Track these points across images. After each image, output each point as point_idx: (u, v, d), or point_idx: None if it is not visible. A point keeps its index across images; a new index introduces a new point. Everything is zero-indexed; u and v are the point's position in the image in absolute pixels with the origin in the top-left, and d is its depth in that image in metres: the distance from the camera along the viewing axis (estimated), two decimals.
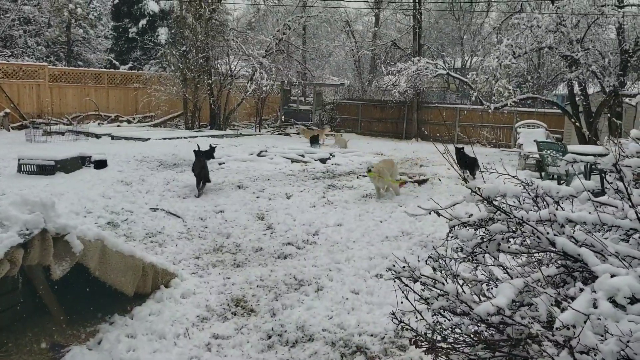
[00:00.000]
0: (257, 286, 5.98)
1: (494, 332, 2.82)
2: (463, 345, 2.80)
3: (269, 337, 4.82)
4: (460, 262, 3.18)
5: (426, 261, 3.31)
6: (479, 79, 17.73)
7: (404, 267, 2.91)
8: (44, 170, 11.47)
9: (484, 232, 3.00)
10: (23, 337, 4.71)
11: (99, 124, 23.15)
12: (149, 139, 18.57)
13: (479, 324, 2.64)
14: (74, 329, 4.94)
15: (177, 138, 19.38)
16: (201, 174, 10.46)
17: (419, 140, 24.15)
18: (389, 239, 7.78)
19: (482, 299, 3.00)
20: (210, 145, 13.98)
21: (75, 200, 9.28)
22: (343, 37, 33.23)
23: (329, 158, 15.69)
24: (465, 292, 3.08)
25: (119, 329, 4.89)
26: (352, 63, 33.01)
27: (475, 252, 3.01)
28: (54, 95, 22.63)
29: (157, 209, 9.05)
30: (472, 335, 2.75)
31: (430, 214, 3.09)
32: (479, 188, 2.79)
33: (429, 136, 23.91)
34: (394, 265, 2.99)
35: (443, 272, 3.15)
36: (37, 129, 18.79)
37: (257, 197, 10.21)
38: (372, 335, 4.82)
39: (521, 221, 2.77)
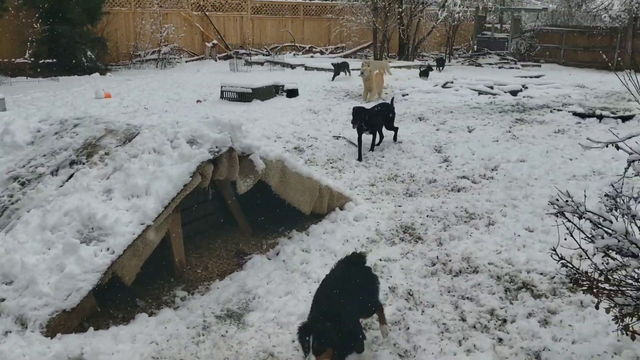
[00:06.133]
0: (427, 216, 6.03)
1: None
2: (630, 288, 2.57)
3: (433, 265, 4.89)
4: None
5: (601, 199, 3.05)
6: None
7: (567, 201, 2.72)
8: (243, 97, 12.54)
9: None
10: (214, 243, 5.40)
11: (294, 54, 24.34)
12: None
13: None
14: (257, 240, 5.52)
15: None
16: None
17: (632, 72, 21.30)
18: (577, 177, 7.21)
19: None
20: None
21: (268, 125, 10.05)
22: None
23: (521, 90, 14.69)
24: None
25: (296, 243, 5.34)
26: None
27: None
28: (255, 27, 24.23)
29: (340, 137, 9.42)
30: None
31: (607, 146, 2.81)
32: None
33: None
34: (557, 199, 2.80)
35: (618, 211, 2.88)
36: (240, 59, 20.45)
37: (437, 130, 10.06)
38: (541, 274, 4.63)
39: None
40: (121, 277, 4.00)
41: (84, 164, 4.86)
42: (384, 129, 9.02)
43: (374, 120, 8.62)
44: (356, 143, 8.51)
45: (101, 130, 5.20)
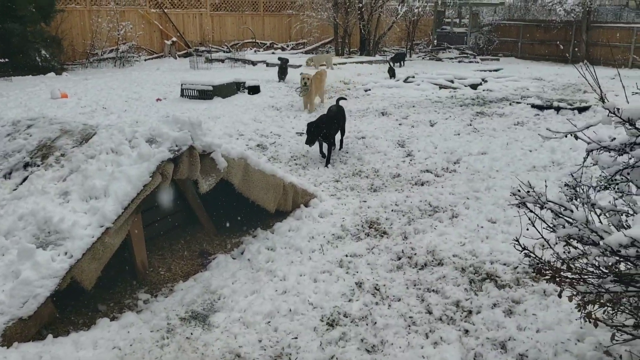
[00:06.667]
0: (392, 210, 6.04)
1: (630, 267, 2.59)
2: (591, 276, 2.61)
3: (399, 259, 4.91)
4: (599, 191, 2.92)
5: (561, 188, 3.09)
6: None
7: (528, 192, 2.75)
8: (204, 95, 12.37)
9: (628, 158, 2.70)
10: (177, 243, 5.29)
11: (255, 51, 24.13)
12: (300, 65, 19.05)
13: (610, 255, 2.43)
14: (221, 239, 5.44)
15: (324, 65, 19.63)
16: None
17: (587, 64, 21.92)
18: (537, 168, 7.35)
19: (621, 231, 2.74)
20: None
21: (230, 123, 9.93)
22: None
23: (481, 84, 14.94)
24: (602, 223, 2.84)
25: (261, 241, 5.27)
26: None
27: (617, 180, 2.74)
28: (215, 24, 23.92)
29: (303, 133, 9.37)
30: (602, 268, 2.55)
31: (566, 136, 2.85)
32: (618, 109, 2.50)
33: (600, 60, 21.61)
34: (518, 190, 2.83)
35: (578, 200, 2.92)
36: (200, 56, 20.16)
37: (400, 125, 10.12)
38: (504, 264, 4.69)
39: None
40: (80, 282, 3.87)
41: (38, 166, 4.69)
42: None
43: (332, 129, 8.04)
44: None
45: (56, 131, 5.03)
